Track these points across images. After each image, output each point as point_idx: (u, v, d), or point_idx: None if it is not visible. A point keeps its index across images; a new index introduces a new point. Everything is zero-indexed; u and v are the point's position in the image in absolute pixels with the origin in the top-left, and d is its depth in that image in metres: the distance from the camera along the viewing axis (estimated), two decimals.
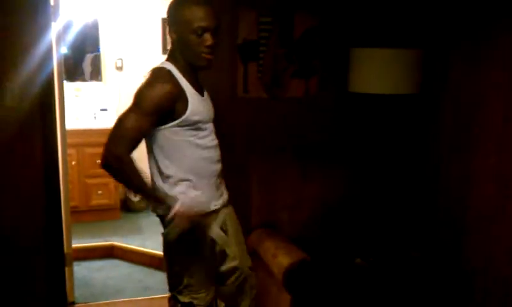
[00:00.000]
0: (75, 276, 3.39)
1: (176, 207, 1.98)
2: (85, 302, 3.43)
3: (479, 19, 2.62)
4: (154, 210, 2.15)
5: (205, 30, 1.98)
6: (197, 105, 2.07)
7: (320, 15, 3.08)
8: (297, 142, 3.13)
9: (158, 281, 3.79)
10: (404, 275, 2.73)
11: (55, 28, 2.82)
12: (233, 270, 2.28)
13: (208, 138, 2.14)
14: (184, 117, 2.01)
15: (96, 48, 5.19)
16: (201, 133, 2.10)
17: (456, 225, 2.81)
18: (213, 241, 2.18)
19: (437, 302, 2.63)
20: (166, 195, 2.06)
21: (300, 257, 2.59)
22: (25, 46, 2.63)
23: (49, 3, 2.73)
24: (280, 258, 2.62)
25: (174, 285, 2.22)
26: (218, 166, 2.20)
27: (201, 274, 2.19)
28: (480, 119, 2.62)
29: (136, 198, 5.21)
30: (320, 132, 3.17)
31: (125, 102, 5.14)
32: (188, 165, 2.09)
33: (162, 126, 2.03)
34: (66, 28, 4.05)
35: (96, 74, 5.27)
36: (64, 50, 3.21)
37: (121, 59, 5.23)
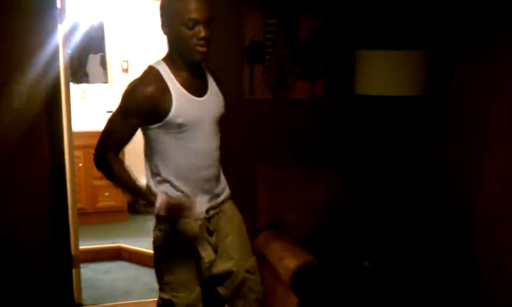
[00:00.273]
0: (82, 278, 3.39)
1: (157, 203, 2.00)
2: (92, 304, 3.43)
3: (484, 21, 2.60)
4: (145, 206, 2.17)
5: (196, 22, 1.92)
6: (184, 107, 1.99)
7: (325, 17, 3.07)
8: (303, 144, 3.12)
9: None
10: (411, 278, 2.72)
11: (61, 30, 2.82)
12: (228, 273, 2.24)
13: (198, 143, 2.06)
14: (166, 119, 1.98)
15: (102, 50, 5.20)
16: (190, 137, 2.03)
17: (462, 226, 2.79)
18: (192, 243, 2.14)
19: (444, 304, 2.62)
20: (147, 191, 2.07)
21: (307, 259, 2.59)
22: (32, 48, 2.65)
23: (56, 6, 2.74)
24: (287, 261, 2.61)
25: (158, 281, 2.23)
26: (207, 172, 2.12)
27: (181, 273, 2.15)
28: (485, 120, 2.60)
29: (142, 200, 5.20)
30: (326, 134, 3.16)
31: None
32: (172, 167, 2.08)
33: (149, 126, 2.03)
34: (72, 30, 4.06)
35: (102, 76, 5.28)
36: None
37: (127, 61, 5.23)
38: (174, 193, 2.09)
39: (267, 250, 2.80)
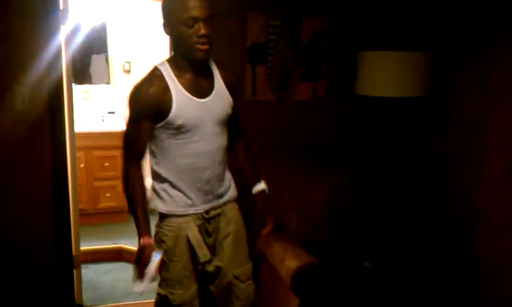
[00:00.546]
0: (83, 279, 3.39)
1: (142, 241, 2.05)
2: (93, 305, 3.43)
3: (485, 22, 2.61)
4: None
5: (196, 20, 1.91)
6: (184, 108, 2.00)
7: (328, 18, 3.07)
8: (305, 145, 3.12)
9: None
10: (412, 279, 2.72)
11: (64, 31, 2.83)
12: (216, 272, 2.24)
13: (198, 144, 2.06)
14: (167, 119, 1.99)
15: (104, 51, 5.21)
16: (189, 139, 2.04)
17: (463, 227, 2.79)
18: (189, 241, 2.15)
19: (445, 305, 2.62)
20: (143, 226, 2.07)
21: (308, 260, 2.59)
22: (35, 49, 2.65)
23: (58, 7, 2.75)
24: (288, 262, 2.61)
25: None
26: (208, 172, 2.11)
27: (178, 270, 2.16)
28: (487, 121, 2.60)
29: None
30: (327, 135, 3.17)
31: None
32: (171, 167, 2.09)
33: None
34: (75, 31, 4.07)
35: (104, 77, 5.28)
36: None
37: (129, 62, 5.24)
38: (173, 191, 2.11)
39: (268, 251, 2.80)
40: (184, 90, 2.01)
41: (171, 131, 2.02)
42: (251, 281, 2.33)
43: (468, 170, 2.75)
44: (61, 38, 2.77)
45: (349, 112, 3.17)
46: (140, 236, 2.06)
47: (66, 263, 2.96)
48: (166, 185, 2.12)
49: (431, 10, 3.00)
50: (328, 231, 3.06)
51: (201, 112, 2.05)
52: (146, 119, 2.00)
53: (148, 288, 2.04)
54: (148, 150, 2.13)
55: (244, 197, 2.34)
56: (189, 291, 2.19)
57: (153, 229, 2.19)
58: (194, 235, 2.14)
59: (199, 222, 2.15)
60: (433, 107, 3.02)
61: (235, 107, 2.20)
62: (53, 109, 2.76)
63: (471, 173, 2.73)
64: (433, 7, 2.99)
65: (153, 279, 2.04)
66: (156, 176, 2.14)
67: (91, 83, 5.25)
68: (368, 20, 3.08)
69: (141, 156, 2.06)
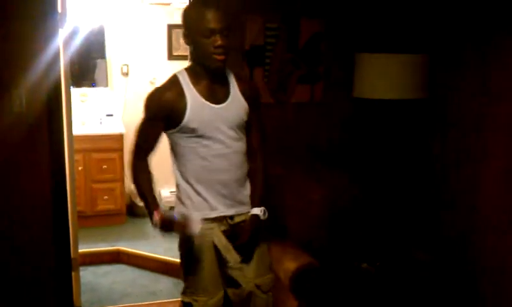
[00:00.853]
0: (81, 281, 3.39)
1: (154, 218, 2.11)
2: None
3: (486, 23, 2.62)
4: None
5: (213, 31, 2.01)
6: (198, 112, 2.08)
7: (326, 21, 3.09)
8: (304, 147, 3.13)
9: (164, 286, 3.79)
10: (410, 280, 2.73)
11: (62, 34, 2.83)
12: (241, 278, 2.26)
13: (214, 147, 2.13)
14: (182, 124, 2.09)
15: (102, 54, 5.22)
16: (205, 142, 2.11)
17: (462, 228, 2.80)
18: (215, 247, 2.19)
19: (444, 306, 2.63)
20: (153, 205, 2.14)
21: (307, 262, 2.59)
22: (33, 52, 2.65)
23: (57, 10, 2.75)
24: (286, 263, 2.62)
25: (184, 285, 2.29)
26: (225, 175, 2.17)
27: (202, 277, 2.20)
28: (486, 122, 2.62)
29: (141, 203, 5.21)
30: (326, 137, 3.18)
31: (130, 107, 5.21)
32: (190, 170, 2.17)
33: (169, 131, 2.15)
34: (73, 34, 4.09)
35: (102, 80, 5.29)
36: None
37: (127, 64, 5.25)
38: (195, 197, 2.17)
39: None
40: (198, 96, 2.10)
41: (187, 135, 2.11)
42: (271, 293, 2.34)
43: (468, 171, 2.76)
44: (59, 41, 2.77)
45: (347, 114, 3.18)
46: (152, 212, 2.13)
47: (64, 265, 2.96)
48: (187, 190, 2.18)
49: (429, 12, 3.01)
50: (326, 232, 3.06)
51: (216, 116, 2.13)
52: (159, 122, 2.12)
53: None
54: (171, 155, 2.22)
55: None
56: (213, 298, 2.22)
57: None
58: (220, 240, 2.18)
59: (224, 227, 2.20)
60: (432, 108, 3.03)
61: (253, 121, 2.26)
62: (51, 112, 2.76)
63: (470, 173, 2.74)
64: (431, 9, 3.00)
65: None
66: (178, 182, 2.21)
67: (88, 86, 5.26)
68: (366, 23, 3.10)
69: (148, 153, 2.17)
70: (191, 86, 2.11)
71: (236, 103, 2.19)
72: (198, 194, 2.17)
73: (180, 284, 2.39)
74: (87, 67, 5.27)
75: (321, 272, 2.59)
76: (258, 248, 2.28)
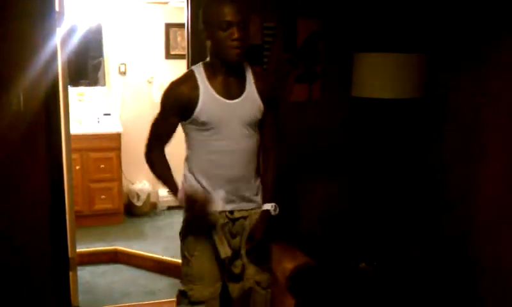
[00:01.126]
0: (79, 281, 3.39)
1: (178, 195, 2.17)
2: None
3: (483, 22, 2.62)
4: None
5: (230, 24, 2.04)
6: (210, 106, 2.12)
7: (323, 20, 3.09)
8: (301, 146, 3.13)
9: (162, 286, 3.79)
10: (408, 279, 2.73)
11: (60, 33, 2.83)
12: (242, 273, 2.28)
13: (222, 142, 2.15)
14: (192, 116, 2.13)
15: (99, 53, 5.21)
16: (214, 137, 2.15)
17: (461, 227, 2.80)
18: (212, 239, 2.21)
19: (442, 306, 2.63)
20: (174, 184, 2.21)
21: (304, 261, 2.60)
22: (31, 51, 2.65)
23: (54, 9, 2.75)
24: (284, 263, 2.62)
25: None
26: (231, 171, 2.18)
27: (199, 266, 2.24)
28: (483, 121, 2.62)
29: (139, 202, 5.22)
30: (324, 137, 3.18)
31: (128, 106, 5.21)
32: (196, 163, 2.22)
33: (182, 122, 2.20)
34: (71, 33, 4.09)
35: (99, 79, 5.28)
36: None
37: (124, 63, 5.24)
38: (197, 186, 2.20)
39: None
40: (212, 90, 2.14)
41: (197, 127, 2.15)
42: (270, 290, 2.37)
43: (465, 170, 2.77)
44: (57, 39, 2.77)
45: (344, 114, 3.18)
46: (175, 194, 2.21)
47: (62, 265, 2.96)
48: (190, 180, 2.23)
49: (426, 12, 3.02)
50: (324, 232, 3.06)
51: (227, 112, 2.15)
52: (173, 114, 2.17)
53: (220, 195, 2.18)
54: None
55: None
56: (208, 288, 2.25)
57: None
58: (217, 232, 2.21)
59: (222, 221, 2.22)
60: (429, 108, 3.03)
61: (268, 119, 2.27)
62: (49, 111, 2.76)
63: (468, 172, 2.74)
64: (428, 9, 3.01)
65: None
66: (184, 172, 2.27)
67: (86, 85, 5.25)
68: (363, 22, 3.10)
69: (163, 144, 2.24)
70: (206, 80, 2.14)
71: (250, 101, 2.19)
72: (200, 185, 2.20)
73: (177, 285, 2.41)
74: (84, 66, 5.26)
75: (319, 271, 2.59)
76: (260, 245, 2.30)
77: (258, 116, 2.21)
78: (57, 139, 2.86)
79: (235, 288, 2.29)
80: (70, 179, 3.09)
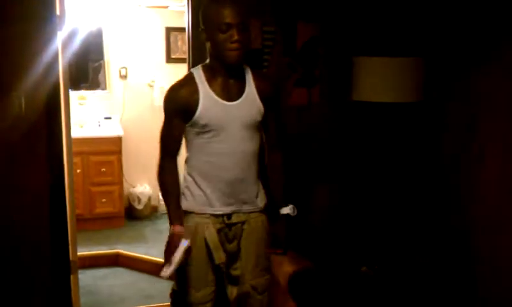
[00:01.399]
0: (80, 284, 3.38)
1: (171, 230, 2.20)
2: None
3: (481, 26, 2.63)
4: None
5: (229, 26, 2.04)
6: (209, 109, 2.11)
7: (323, 25, 3.10)
8: (300, 150, 3.13)
9: (163, 289, 3.78)
10: (409, 283, 2.73)
11: (60, 37, 2.84)
12: (239, 277, 2.28)
13: (221, 144, 2.15)
14: (193, 119, 2.13)
15: (100, 56, 5.22)
16: (214, 139, 2.14)
17: (460, 231, 2.80)
18: (206, 242, 2.20)
19: None
20: (174, 224, 2.20)
21: (305, 265, 2.59)
22: (32, 55, 2.65)
23: (55, 12, 2.76)
24: (285, 266, 2.62)
25: None
26: (230, 173, 2.17)
27: (193, 269, 2.22)
28: (484, 124, 2.62)
29: (140, 206, 5.22)
30: (324, 140, 3.18)
31: (129, 110, 5.22)
32: (196, 165, 2.21)
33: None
34: (71, 37, 4.09)
35: (100, 83, 5.29)
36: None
37: (125, 67, 5.25)
38: (196, 190, 2.20)
39: None
40: (211, 92, 2.13)
41: (196, 129, 2.15)
42: (266, 293, 2.34)
43: (464, 173, 2.77)
44: (57, 43, 2.78)
45: (344, 117, 3.18)
46: (171, 224, 2.20)
47: (63, 268, 2.96)
48: (189, 183, 2.22)
49: (425, 16, 3.02)
50: (324, 236, 3.07)
51: (227, 114, 2.15)
52: (177, 118, 2.16)
53: (172, 272, 2.18)
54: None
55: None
56: (202, 291, 2.23)
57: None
58: (211, 236, 2.19)
59: (219, 226, 2.21)
60: (428, 111, 3.03)
61: (270, 119, 2.26)
62: (50, 114, 2.76)
63: (467, 176, 2.74)
64: (427, 13, 3.01)
65: (178, 265, 2.16)
66: (184, 174, 2.26)
67: (87, 88, 5.26)
68: (362, 26, 3.11)
69: (174, 151, 2.22)
70: (205, 83, 2.13)
71: (250, 102, 2.18)
72: (199, 187, 2.19)
73: None
74: (85, 70, 5.27)
75: (320, 275, 2.59)
76: (257, 249, 2.28)
77: (258, 117, 2.20)
78: (58, 142, 2.86)
79: (233, 291, 2.28)
80: (71, 182, 3.09)
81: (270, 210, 2.33)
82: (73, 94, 4.86)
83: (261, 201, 2.30)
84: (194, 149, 2.20)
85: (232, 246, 2.25)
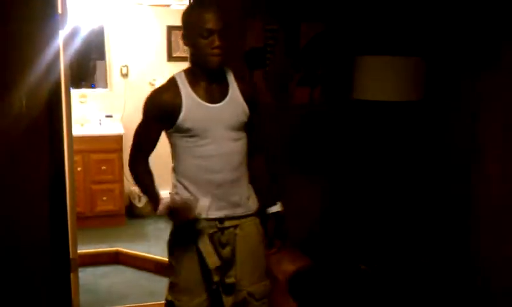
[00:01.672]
0: (80, 282, 3.39)
1: (160, 208, 2.15)
2: None
3: (483, 27, 2.63)
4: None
5: (211, 32, 2.05)
6: (193, 112, 2.10)
7: (325, 24, 3.10)
8: (302, 148, 3.14)
9: (163, 287, 3.77)
10: (408, 281, 2.74)
11: (62, 35, 2.84)
12: (232, 286, 2.23)
13: (208, 147, 2.13)
14: (177, 123, 2.11)
15: (102, 55, 5.23)
16: (200, 142, 2.12)
17: (461, 229, 2.81)
18: (198, 249, 2.16)
19: None
20: (155, 198, 2.19)
21: (304, 263, 2.60)
22: (34, 53, 2.66)
23: (57, 11, 2.76)
24: (285, 265, 2.62)
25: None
26: (219, 176, 2.15)
27: (186, 277, 2.19)
28: (484, 123, 2.63)
29: (140, 204, 5.23)
30: (324, 139, 3.18)
31: (130, 108, 5.22)
32: (184, 170, 2.18)
33: (167, 131, 2.18)
34: (73, 35, 4.09)
35: (101, 81, 5.30)
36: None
37: (126, 65, 5.26)
38: (185, 194, 2.16)
39: None
40: (194, 95, 2.13)
41: (181, 134, 2.13)
42: (266, 300, 2.30)
43: (465, 172, 2.77)
44: (59, 42, 2.78)
45: (346, 116, 3.19)
46: (155, 209, 2.19)
47: (63, 266, 2.97)
48: (179, 189, 2.18)
49: (427, 15, 3.03)
50: (323, 234, 3.07)
51: (211, 116, 2.14)
52: (156, 121, 2.15)
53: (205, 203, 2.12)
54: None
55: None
56: (196, 299, 2.18)
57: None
58: (203, 242, 2.15)
59: (211, 230, 2.17)
60: (429, 110, 3.04)
61: (254, 120, 2.26)
62: (51, 113, 2.77)
63: (467, 174, 2.75)
64: (429, 13, 3.01)
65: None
66: (173, 181, 2.23)
67: (88, 87, 5.27)
68: (365, 26, 3.11)
69: (147, 153, 2.21)
70: (188, 87, 2.13)
71: (234, 104, 2.18)
72: (190, 193, 2.15)
73: None
74: (87, 68, 5.28)
75: (319, 273, 2.60)
76: (253, 254, 2.25)
77: (244, 118, 2.19)
78: (59, 140, 2.87)
79: (228, 300, 2.22)
80: (71, 180, 3.10)
81: (259, 211, 2.31)
82: (74, 92, 4.88)
83: (253, 204, 2.27)
84: (181, 154, 2.17)
85: (225, 251, 2.20)
